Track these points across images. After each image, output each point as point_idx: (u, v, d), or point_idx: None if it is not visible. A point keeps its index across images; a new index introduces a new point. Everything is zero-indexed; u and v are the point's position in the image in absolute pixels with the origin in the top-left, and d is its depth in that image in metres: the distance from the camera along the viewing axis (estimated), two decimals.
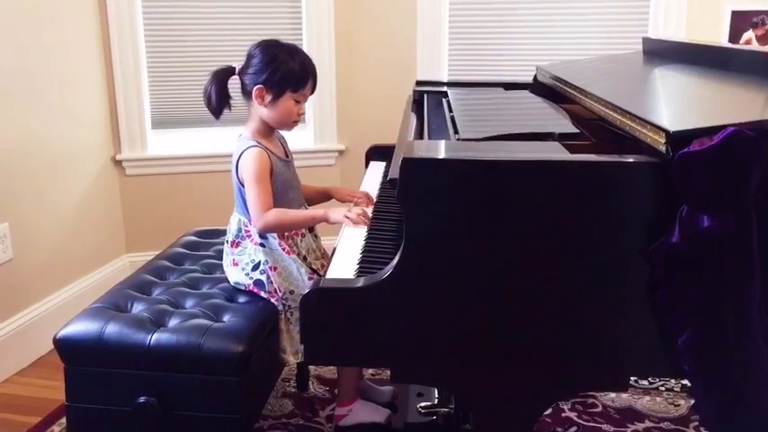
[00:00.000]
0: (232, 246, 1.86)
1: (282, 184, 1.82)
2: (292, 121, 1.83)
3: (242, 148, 1.78)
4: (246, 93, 1.80)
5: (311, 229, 1.92)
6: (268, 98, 1.77)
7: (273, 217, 1.75)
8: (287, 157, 1.90)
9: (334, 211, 1.72)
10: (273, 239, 1.80)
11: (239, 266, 1.84)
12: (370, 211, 1.76)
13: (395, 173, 1.23)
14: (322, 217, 1.76)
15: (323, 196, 2.04)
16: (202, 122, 3.11)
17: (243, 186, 1.78)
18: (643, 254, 1.17)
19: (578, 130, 1.49)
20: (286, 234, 1.82)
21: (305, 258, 1.85)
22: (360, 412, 1.94)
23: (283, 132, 1.94)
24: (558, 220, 1.20)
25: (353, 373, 1.98)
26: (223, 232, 1.94)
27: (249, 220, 1.81)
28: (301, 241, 1.86)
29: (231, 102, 1.81)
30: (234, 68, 1.81)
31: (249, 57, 1.79)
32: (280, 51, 1.78)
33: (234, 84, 1.82)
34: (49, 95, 2.64)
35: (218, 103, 1.79)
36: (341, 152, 3.35)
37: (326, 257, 1.88)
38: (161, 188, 3.17)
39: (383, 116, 2.93)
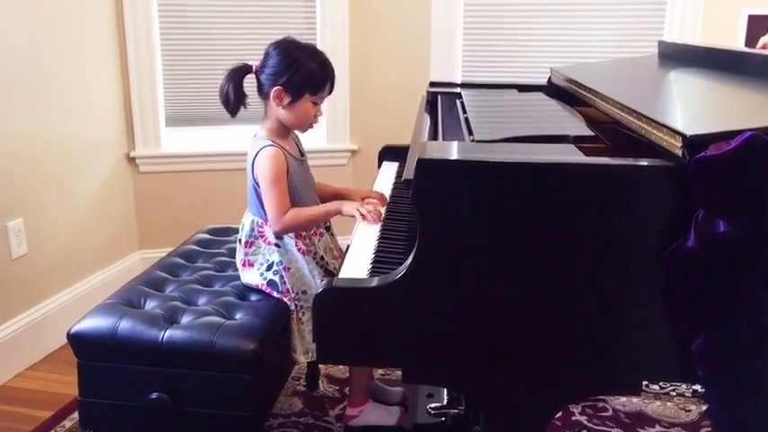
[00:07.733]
0: (245, 246, 1.86)
1: (298, 183, 1.82)
2: (309, 123, 1.84)
3: (258, 147, 1.78)
4: (263, 92, 1.80)
5: (327, 228, 1.92)
6: (287, 100, 1.77)
7: (290, 218, 1.77)
8: (301, 156, 1.90)
9: (347, 205, 1.76)
10: (290, 239, 1.81)
11: (254, 266, 1.85)
12: (383, 210, 1.76)
13: (409, 173, 1.23)
14: (336, 210, 1.79)
15: (337, 197, 2.03)
16: (217, 120, 3.13)
17: (258, 186, 1.79)
18: (658, 258, 1.16)
19: (593, 133, 1.49)
20: (303, 234, 1.82)
21: (322, 258, 1.85)
22: (371, 414, 1.94)
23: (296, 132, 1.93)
24: (572, 223, 1.19)
25: (365, 374, 1.98)
26: (236, 230, 1.95)
27: (263, 220, 1.81)
28: (319, 241, 1.86)
29: (247, 100, 1.81)
30: (250, 67, 1.80)
31: (267, 56, 1.78)
32: (300, 53, 1.77)
33: (248, 82, 1.82)
34: (64, 92, 2.66)
35: (235, 101, 1.79)
36: (353, 152, 3.35)
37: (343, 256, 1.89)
38: (174, 185, 3.19)
39: (396, 117, 2.94)
